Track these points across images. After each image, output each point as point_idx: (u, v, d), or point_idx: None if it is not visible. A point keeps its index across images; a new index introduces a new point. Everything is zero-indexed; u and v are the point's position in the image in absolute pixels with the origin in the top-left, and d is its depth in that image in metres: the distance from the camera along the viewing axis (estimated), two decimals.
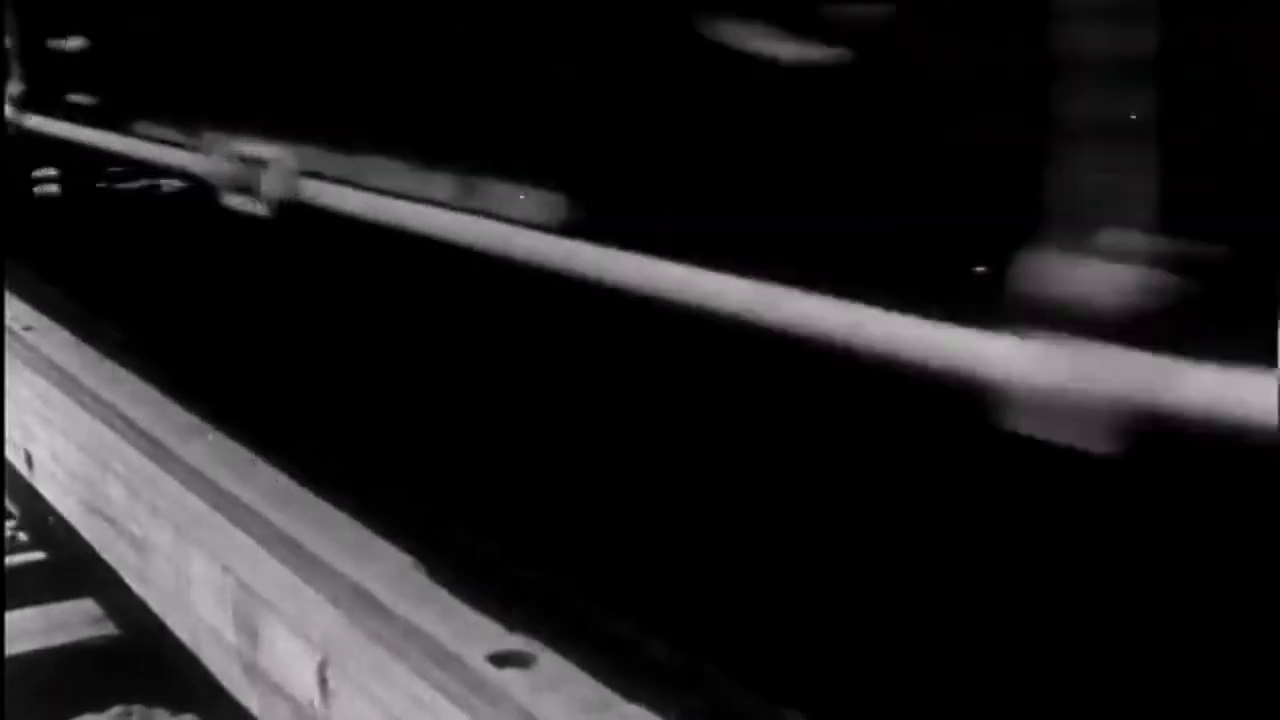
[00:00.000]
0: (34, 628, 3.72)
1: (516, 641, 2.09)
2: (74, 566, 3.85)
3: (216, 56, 2.35)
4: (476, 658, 2.04)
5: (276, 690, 2.22)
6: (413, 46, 1.82)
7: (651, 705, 1.91)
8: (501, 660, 2.04)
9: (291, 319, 3.57)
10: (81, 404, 3.41)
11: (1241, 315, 0.88)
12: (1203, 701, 1.81)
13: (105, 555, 3.11)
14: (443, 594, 2.27)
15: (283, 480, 2.82)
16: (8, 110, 3.59)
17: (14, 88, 3.33)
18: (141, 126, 2.75)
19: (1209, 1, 0.93)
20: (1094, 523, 1.97)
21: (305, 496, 2.72)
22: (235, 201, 2.03)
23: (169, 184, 4.90)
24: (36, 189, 4.93)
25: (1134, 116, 0.91)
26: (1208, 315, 0.90)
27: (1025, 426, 0.95)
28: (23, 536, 4.30)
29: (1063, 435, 0.93)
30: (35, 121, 3.40)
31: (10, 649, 3.49)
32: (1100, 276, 0.94)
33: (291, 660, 2.18)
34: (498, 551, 2.37)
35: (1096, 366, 0.92)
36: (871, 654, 2.04)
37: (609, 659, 2.03)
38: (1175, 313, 0.92)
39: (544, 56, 1.60)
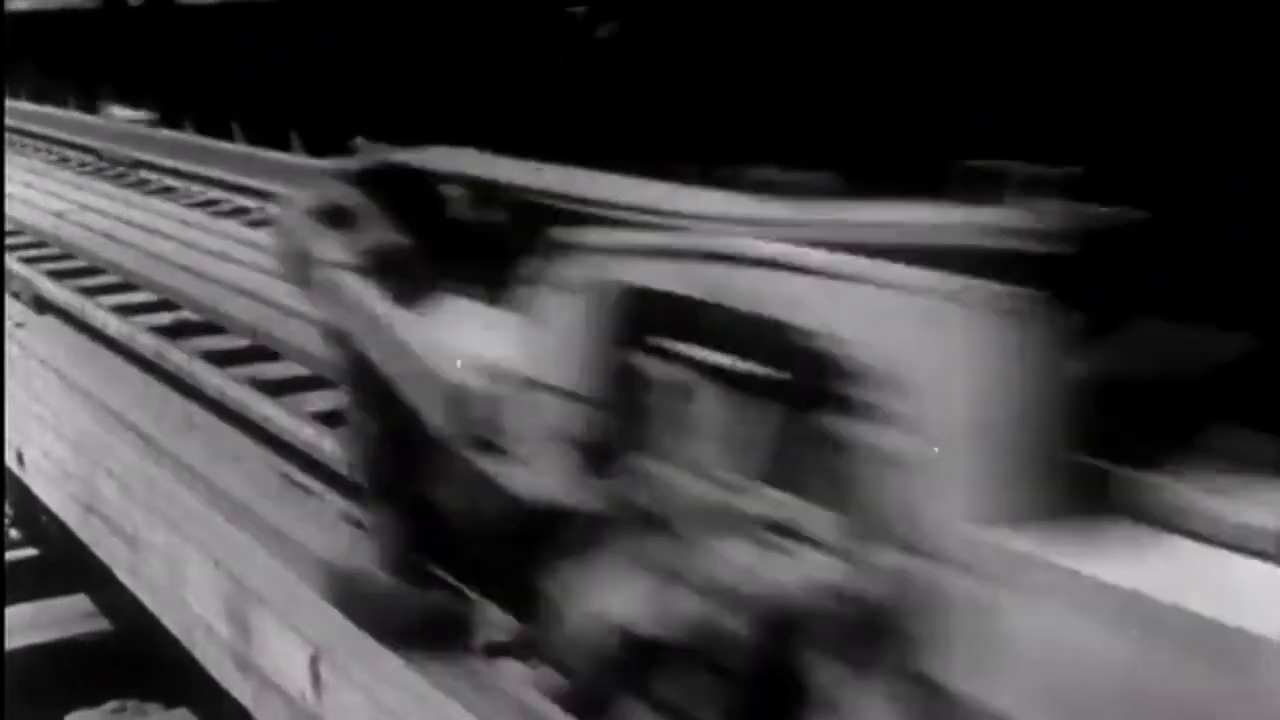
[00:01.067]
0: (28, 623, 3.72)
1: (511, 633, 2.09)
2: (67, 563, 3.86)
3: None
4: (470, 649, 2.05)
5: (269, 683, 2.23)
6: None
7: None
8: (495, 651, 2.05)
9: None
10: (75, 401, 3.42)
11: None
12: None
13: (98, 551, 3.12)
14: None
15: (277, 474, 2.83)
16: None
17: None
18: None
19: None
20: None
21: (299, 490, 2.73)
22: None
23: None
24: None
25: None
26: None
27: None
28: (15, 533, 4.31)
29: None
30: None
31: (5, 644, 3.49)
32: None
33: (284, 653, 2.18)
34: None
35: None
36: None
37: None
38: None
39: None
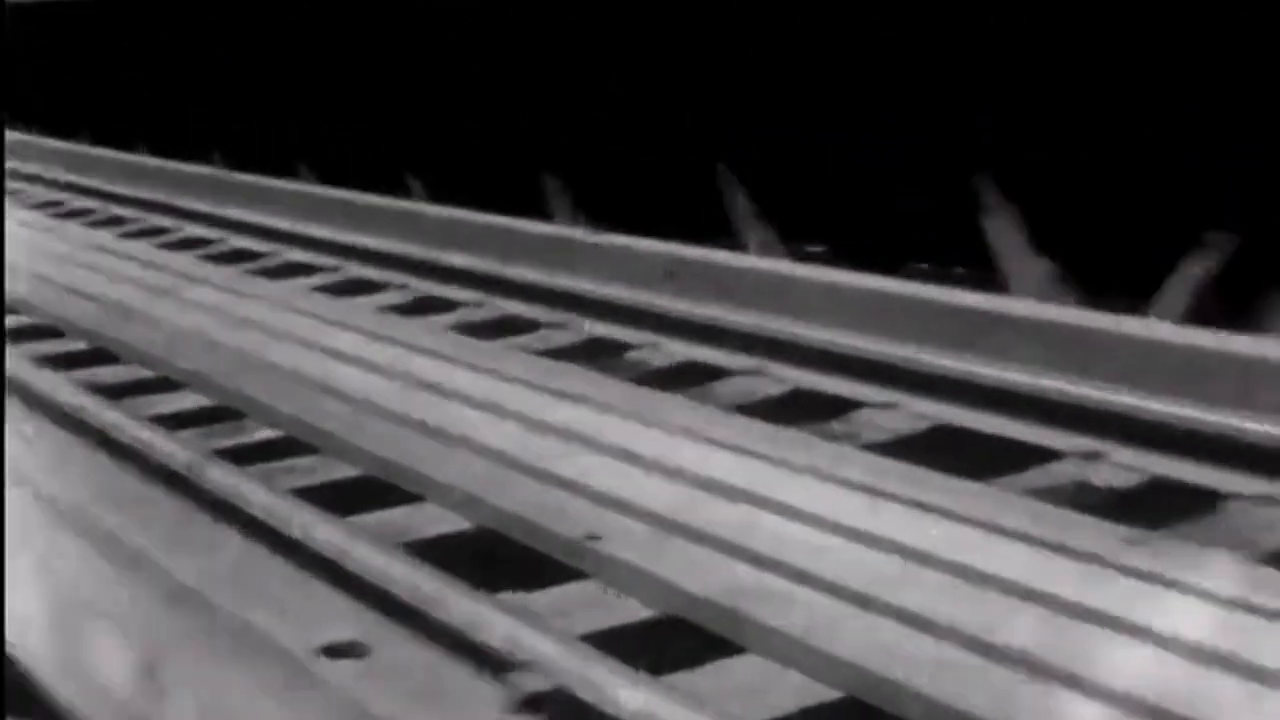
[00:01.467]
0: None
1: (351, 633, 2.06)
2: None
3: None
4: (308, 651, 2.01)
5: (100, 689, 2.16)
6: None
7: (483, 692, 1.90)
8: (334, 652, 2.01)
9: None
10: None
11: None
12: None
13: None
14: (276, 588, 2.24)
15: (109, 474, 2.76)
16: None
17: None
18: None
19: None
20: None
21: (132, 490, 2.67)
22: None
23: None
24: None
25: None
26: None
27: None
28: None
29: None
30: None
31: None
32: None
33: (115, 659, 2.12)
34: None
35: None
36: None
37: (441, 647, 2.01)
38: None
39: None
